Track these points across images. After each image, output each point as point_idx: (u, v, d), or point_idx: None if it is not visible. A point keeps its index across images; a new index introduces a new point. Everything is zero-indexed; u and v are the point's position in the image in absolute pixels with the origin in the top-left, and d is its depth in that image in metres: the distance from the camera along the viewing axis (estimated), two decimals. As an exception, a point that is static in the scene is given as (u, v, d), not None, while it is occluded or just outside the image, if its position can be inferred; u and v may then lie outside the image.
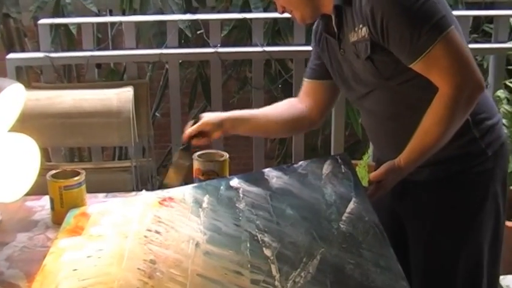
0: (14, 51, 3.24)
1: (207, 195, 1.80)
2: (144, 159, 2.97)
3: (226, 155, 2.06)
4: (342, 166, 1.79)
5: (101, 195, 2.10)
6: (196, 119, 1.97)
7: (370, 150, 3.41)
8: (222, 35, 3.14)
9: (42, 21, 2.97)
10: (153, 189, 2.31)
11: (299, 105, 2.01)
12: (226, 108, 3.11)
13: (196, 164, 2.02)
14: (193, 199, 1.81)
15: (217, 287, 1.42)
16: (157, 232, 1.68)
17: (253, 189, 1.76)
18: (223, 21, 3.24)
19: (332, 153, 3.27)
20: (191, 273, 1.50)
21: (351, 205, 1.66)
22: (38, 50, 3.00)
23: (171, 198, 1.84)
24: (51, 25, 3.03)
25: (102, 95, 2.77)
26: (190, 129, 1.96)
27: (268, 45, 3.12)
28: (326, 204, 1.67)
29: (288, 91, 3.34)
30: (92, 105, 2.71)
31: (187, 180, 1.91)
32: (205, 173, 2.01)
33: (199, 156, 2.03)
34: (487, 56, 3.29)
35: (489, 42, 2.98)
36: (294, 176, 1.82)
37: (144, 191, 2.15)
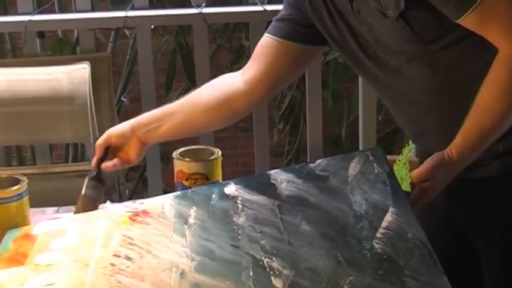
0: None
1: (195, 208, 1.80)
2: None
3: (219, 152, 2.07)
4: (375, 165, 1.79)
5: (51, 209, 2.12)
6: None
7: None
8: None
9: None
10: (120, 200, 2.30)
11: (233, 79, 2.02)
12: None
13: (178, 165, 2.04)
14: (175, 213, 1.81)
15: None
16: (128, 258, 1.68)
17: (256, 198, 1.76)
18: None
19: (361, 147, 3.30)
20: (175, 313, 1.49)
21: (388, 217, 1.65)
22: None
23: (145, 212, 1.85)
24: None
25: (48, 74, 2.78)
26: (98, 148, 2.03)
27: (270, 3, 3.14)
28: (354, 216, 1.67)
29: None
30: (34, 89, 2.72)
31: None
32: (191, 176, 2.03)
33: (182, 154, 2.05)
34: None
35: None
36: (310, 180, 1.82)
37: (108, 202, 2.19)
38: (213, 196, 1.79)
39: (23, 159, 3.76)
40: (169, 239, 1.72)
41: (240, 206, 1.74)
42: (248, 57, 3.16)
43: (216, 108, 2.01)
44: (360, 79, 3.18)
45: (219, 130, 2.95)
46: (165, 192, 2.41)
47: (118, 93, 3.89)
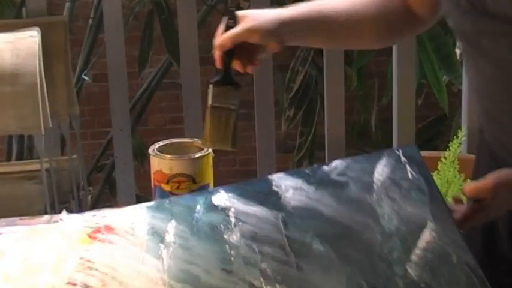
0: None
1: (174, 222, 1.81)
2: (65, 157, 3.00)
3: (209, 147, 2.09)
4: (408, 167, 1.80)
5: None
6: (233, 17, 1.94)
7: (464, 132, 3.42)
8: None
9: None
10: (80, 209, 2.31)
11: None
12: (204, 62, 3.13)
13: (156, 164, 2.07)
14: (149, 228, 1.82)
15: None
16: (86, 287, 1.68)
17: (254, 209, 1.76)
18: None
19: (395, 141, 3.34)
20: None
21: (427, 235, 1.65)
22: None
23: (109, 228, 1.86)
24: None
25: None
26: (227, 36, 1.92)
27: None
28: (383, 233, 1.68)
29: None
30: None
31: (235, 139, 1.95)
32: (173, 178, 2.07)
33: (161, 149, 2.08)
34: None
35: None
36: (324, 187, 1.82)
37: (64, 213, 2.16)
38: (198, 207, 1.79)
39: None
40: (140, 262, 1.72)
41: (232, 219, 1.74)
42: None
43: (393, 16, 2.06)
44: (395, 50, 3.20)
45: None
46: (138, 199, 2.42)
47: (78, 69, 3.91)
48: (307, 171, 1.86)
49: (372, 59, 4.06)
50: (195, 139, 2.15)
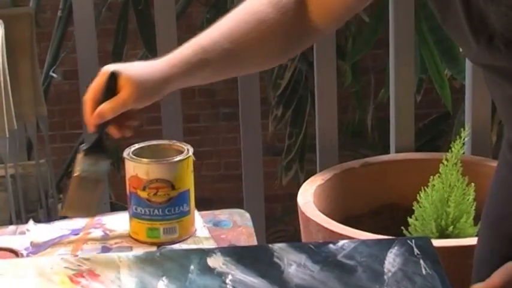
0: None
1: (165, 280, 1.81)
2: (32, 162, 2.99)
3: (189, 150, 2.09)
4: (422, 261, 1.80)
5: None
6: (114, 76, 1.86)
7: (467, 132, 3.39)
8: None
9: None
10: (49, 219, 2.28)
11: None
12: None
13: (132, 169, 2.05)
14: (137, 282, 1.82)
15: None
16: None
17: (254, 281, 1.77)
18: None
19: (392, 141, 3.32)
20: None
21: None
22: None
23: (93, 274, 1.86)
24: None
25: None
26: (109, 107, 1.84)
27: None
28: None
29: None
30: None
31: (101, 208, 1.90)
32: (150, 184, 2.04)
33: (137, 153, 2.07)
34: None
35: None
36: (330, 268, 1.83)
37: (31, 223, 2.19)
38: (192, 267, 1.82)
39: None
40: None
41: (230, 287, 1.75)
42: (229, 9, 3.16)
43: (285, 33, 1.96)
44: (392, 43, 3.16)
45: (191, 119, 2.88)
46: (113, 207, 2.37)
47: (46, 65, 3.90)
48: (312, 246, 1.88)
49: (368, 52, 4.02)
50: (174, 141, 2.14)
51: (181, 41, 3.10)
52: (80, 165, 1.86)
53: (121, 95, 1.80)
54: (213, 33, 1.88)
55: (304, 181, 3.07)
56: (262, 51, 1.95)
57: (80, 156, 1.86)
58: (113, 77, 1.80)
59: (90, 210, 1.92)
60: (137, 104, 1.83)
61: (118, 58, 3.77)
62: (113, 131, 1.88)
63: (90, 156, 1.87)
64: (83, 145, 1.88)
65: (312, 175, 3.10)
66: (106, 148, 1.87)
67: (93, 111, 1.80)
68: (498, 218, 1.88)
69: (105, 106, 1.80)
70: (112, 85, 1.80)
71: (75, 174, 1.84)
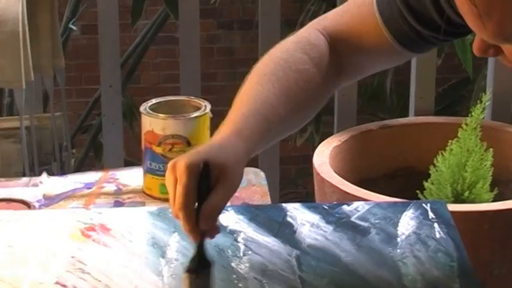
0: None
1: (177, 236, 1.82)
2: (47, 114, 2.99)
3: (207, 107, 2.10)
4: (436, 225, 1.81)
5: None
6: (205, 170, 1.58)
7: (488, 96, 3.38)
8: None
9: None
10: (63, 172, 2.28)
11: (319, 67, 1.80)
12: (204, 15, 3.07)
13: (148, 123, 2.07)
14: (149, 238, 1.83)
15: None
16: None
17: (266, 239, 1.78)
18: None
19: (412, 106, 3.31)
20: None
21: None
22: None
23: (105, 228, 1.86)
24: None
25: None
26: (207, 222, 1.55)
27: None
28: None
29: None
30: None
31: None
32: (165, 140, 2.06)
33: (154, 108, 2.08)
34: None
35: None
36: (344, 229, 1.83)
37: (44, 175, 2.20)
38: None
39: None
40: (138, 276, 1.71)
41: (242, 246, 1.76)
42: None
43: (316, 101, 1.85)
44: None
45: (210, 77, 2.87)
46: (126, 165, 2.36)
47: (65, 18, 3.88)
48: (325, 207, 1.88)
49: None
50: (191, 97, 2.13)
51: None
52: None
53: (226, 190, 1.56)
54: (270, 98, 1.70)
55: (319, 143, 3.05)
56: (307, 114, 1.83)
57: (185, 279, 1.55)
58: (204, 170, 1.52)
59: None
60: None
61: (137, 14, 3.75)
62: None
63: (199, 277, 1.54)
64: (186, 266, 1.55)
65: (327, 137, 3.08)
66: (209, 260, 1.55)
67: (195, 216, 1.50)
68: None
69: (213, 207, 1.53)
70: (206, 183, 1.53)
71: None
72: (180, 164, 1.50)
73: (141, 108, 2.05)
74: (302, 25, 4.05)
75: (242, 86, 1.72)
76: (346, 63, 1.80)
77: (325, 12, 3.88)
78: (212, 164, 1.51)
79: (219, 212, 1.52)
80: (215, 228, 1.52)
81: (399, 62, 1.88)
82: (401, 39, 1.71)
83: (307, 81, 1.76)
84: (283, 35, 3.14)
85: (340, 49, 1.78)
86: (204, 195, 1.49)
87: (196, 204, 1.49)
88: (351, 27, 1.77)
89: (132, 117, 3.52)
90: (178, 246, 1.78)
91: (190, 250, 1.67)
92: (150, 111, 2.05)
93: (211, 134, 2.05)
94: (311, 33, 1.80)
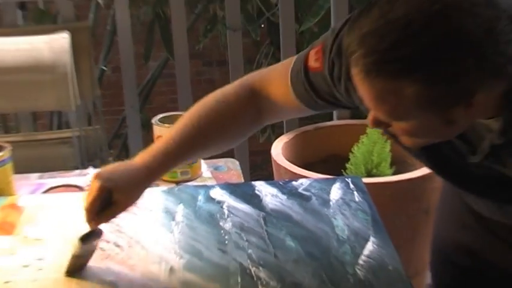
0: None
1: (182, 206, 1.81)
2: (90, 127, 2.96)
3: None
4: (355, 193, 1.82)
5: (34, 175, 2.10)
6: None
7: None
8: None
9: None
10: (103, 165, 2.26)
11: (243, 110, 1.61)
12: (193, 57, 3.04)
13: (158, 131, 2.04)
14: (163, 208, 1.82)
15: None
16: (117, 245, 1.67)
17: (242, 206, 1.78)
18: None
19: (336, 115, 3.30)
20: (166, 308, 1.52)
21: (370, 246, 1.64)
22: None
23: None
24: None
25: (29, 44, 2.75)
26: (107, 216, 1.54)
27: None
28: (337, 240, 1.66)
29: (274, 32, 3.30)
30: (16, 58, 2.68)
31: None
32: None
33: (161, 120, 2.06)
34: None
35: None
36: (293, 197, 1.84)
37: (91, 168, 2.18)
38: (200, 197, 1.82)
39: (8, 127, 3.72)
40: (157, 233, 1.71)
41: (226, 211, 1.76)
42: (225, 25, 3.11)
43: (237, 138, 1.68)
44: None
45: (198, 98, 2.84)
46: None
47: (100, 63, 3.87)
48: (281, 183, 1.89)
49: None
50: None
51: (190, 46, 3.10)
52: (78, 249, 1.52)
53: (117, 209, 1.52)
54: (187, 134, 1.57)
55: (274, 140, 3.04)
56: (226, 141, 1.65)
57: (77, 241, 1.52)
58: (107, 192, 1.48)
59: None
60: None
61: (148, 58, 3.73)
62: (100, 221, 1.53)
63: (85, 242, 1.53)
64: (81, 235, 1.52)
65: (279, 136, 3.07)
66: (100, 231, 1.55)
67: (92, 219, 1.50)
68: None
69: (107, 216, 1.52)
70: (107, 199, 1.49)
71: (74, 254, 1.53)
72: (96, 181, 1.48)
73: (153, 121, 2.05)
74: (259, 62, 4.06)
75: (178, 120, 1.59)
76: (265, 109, 1.60)
77: (273, 53, 3.91)
78: (115, 190, 1.48)
79: (110, 219, 1.51)
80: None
81: (309, 114, 1.62)
82: (306, 102, 1.53)
83: (224, 120, 1.58)
84: (246, 69, 3.13)
85: (261, 98, 1.58)
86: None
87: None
88: (270, 82, 1.58)
89: (148, 127, 3.49)
90: (183, 213, 1.77)
91: (192, 215, 1.73)
92: (159, 123, 2.04)
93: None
94: (236, 86, 1.62)
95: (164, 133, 1.96)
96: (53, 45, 2.68)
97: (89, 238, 1.52)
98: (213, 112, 1.57)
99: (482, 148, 1.29)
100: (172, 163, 1.58)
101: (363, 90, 1.21)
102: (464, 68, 1.13)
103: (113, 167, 1.57)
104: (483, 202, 1.55)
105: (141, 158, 1.56)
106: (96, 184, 1.48)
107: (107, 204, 1.50)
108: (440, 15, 1.12)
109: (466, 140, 1.33)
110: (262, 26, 3.73)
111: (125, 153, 3.93)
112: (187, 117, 1.58)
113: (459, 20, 1.12)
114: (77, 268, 1.54)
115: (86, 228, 1.52)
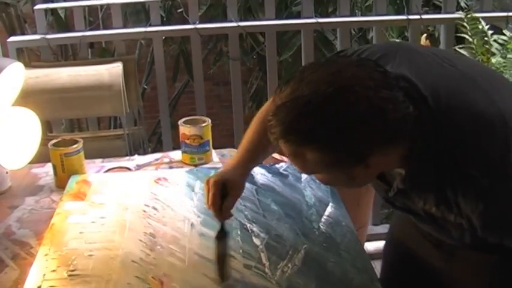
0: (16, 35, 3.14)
1: (198, 181, 1.78)
2: (136, 127, 2.91)
3: (209, 121, 2.03)
4: None
5: (98, 160, 2.08)
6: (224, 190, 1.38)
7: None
8: (199, 13, 3.04)
9: (38, 6, 2.89)
10: (145, 153, 2.27)
11: None
12: (205, 79, 3.04)
13: (182, 129, 2.00)
14: (186, 183, 1.79)
15: (213, 266, 1.40)
16: (154, 208, 1.66)
17: None
18: (200, 1, 3.18)
19: None
20: (188, 251, 1.48)
21: (329, 209, 1.62)
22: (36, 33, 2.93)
23: (165, 179, 1.82)
24: (46, 10, 2.94)
25: (95, 70, 2.69)
26: (227, 207, 1.39)
27: (241, 20, 3.02)
28: (307, 205, 1.65)
29: (262, 62, 3.25)
30: (86, 80, 2.63)
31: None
32: (190, 137, 1.98)
33: (184, 122, 2.01)
34: (437, 26, 3.29)
35: (439, 13, 2.92)
36: (276, 175, 1.80)
37: (136, 155, 2.14)
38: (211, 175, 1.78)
39: (81, 128, 3.68)
40: (182, 200, 1.69)
41: None
42: (228, 57, 3.10)
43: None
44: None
45: (209, 108, 2.87)
46: (174, 149, 2.35)
47: (142, 83, 3.84)
48: (268, 165, 1.84)
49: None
50: (201, 117, 2.07)
51: (204, 72, 3.10)
52: (219, 246, 1.40)
53: (235, 195, 1.39)
54: (256, 141, 1.46)
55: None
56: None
57: (216, 241, 1.40)
58: (223, 185, 1.38)
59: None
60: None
61: (174, 80, 3.70)
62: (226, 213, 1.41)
63: (221, 239, 1.40)
64: (217, 233, 1.40)
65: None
66: (226, 229, 1.41)
67: (219, 210, 1.37)
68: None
69: (228, 205, 1.38)
70: (224, 191, 1.37)
71: (216, 252, 1.39)
72: (210, 181, 1.37)
73: (178, 123, 2.01)
74: (251, 83, 4.04)
75: (247, 129, 1.50)
76: None
77: (261, 77, 3.89)
78: (227, 182, 1.38)
79: (231, 208, 1.38)
80: (230, 215, 1.39)
81: None
82: None
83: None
84: (243, 88, 3.12)
85: None
86: (223, 198, 1.37)
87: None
88: None
89: (175, 127, 3.47)
90: (200, 186, 1.74)
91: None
92: (183, 124, 2.00)
93: (213, 136, 2.00)
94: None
95: (187, 130, 1.97)
96: (111, 71, 2.65)
97: (222, 236, 1.38)
98: (263, 130, 1.42)
99: (393, 187, 1.19)
100: (253, 164, 1.47)
101: (281, 148, 1.11)
102: (353, 140, 1.03)
103: (218, 171, 1.44)
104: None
105: (233, 161, 1.44)
106: (212, 181, 1.36)
107: (222, 196, 1.36)
108: (334, 96, 1.01)
109: (384, 179, 1.21)
110: (254, 57, 3.70)
111: (159, 146, 3.86)
112: (251, 132, 1.48)
113: (349, 101, 1.01)
114: (227, 266, 1.36)
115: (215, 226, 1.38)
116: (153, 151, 2.57)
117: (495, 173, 1.04)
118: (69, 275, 1.36)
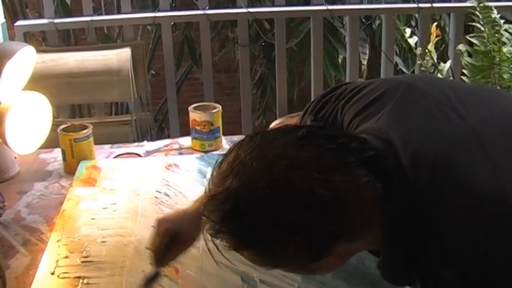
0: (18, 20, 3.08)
1: (210, 168, 1.76)
2: (143, 113, 2.86)
3: (219, 107, 2.00)
4: None
5: (107, 146, 2.06)
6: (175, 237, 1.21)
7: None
8: (208, -1, 3.01)
9: (46, -10, 2.86)
10: (152, 139, 2.24)
11: None
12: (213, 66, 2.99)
13: (192, 115, 1.97)
14: (197, 169, 1.77)
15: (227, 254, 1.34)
16: (166, 194, 1.65)
17: None
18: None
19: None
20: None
21: None
22: (39, 18, 2.90)
23: (176, 165, 1.80)
24: (54, -5, 2.91)
25: (103, 55, 2.65)
26: (169, 258, 1.22)
27: (253, 6, 3.00)
28: None
29: (267, 50, 3.20)
30: (93, 65, 2.58)
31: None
32: (201, 123, 1.96)
33: (195, 108, 1.98)
34: (443, 16, 3.24)
35: (449, 1, 2.87)
36: None
37: (145, 141, 2.12)
38: None
39: (91, 113, 3.65)
40: (193, 186, 1.67)
41: None
42: (236, 43, 3.05)
43: None
44: (313, 60, 2.98)
45: (215, 93, 2.83)
46: (182, 135, 2.32)
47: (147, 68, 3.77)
48: None
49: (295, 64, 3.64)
50: (211, 103, 2.06)
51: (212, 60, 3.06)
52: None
53: (183, 249, 1.21)
54: None
55: (266, 125, 2.98)
56: None
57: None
58: (176, 235, 1.20)
59: None
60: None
61: (178, 66, 3.63)
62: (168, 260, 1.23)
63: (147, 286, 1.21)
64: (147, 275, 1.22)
65: (271, 122, 2.99)
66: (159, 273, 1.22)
67: (161, 258, 1.20)
68: None
69: (172, 257, 1.22)
70: (171, 240, 1.20)
71: None
72: (162, 226, 1.20)
73: (189, 108, 1.98)
74: (255, 70, 3.97)
75: None
76: None
77: (265, 64, 3.81)
78: (180, 233, 1.18)
79: (173, 261, 1.22)
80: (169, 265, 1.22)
81: None
82: None
83: None
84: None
85: None
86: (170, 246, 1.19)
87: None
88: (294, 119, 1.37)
89: (181, 113, 3.46)
90: (211, 172, 1.72)
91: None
92: (193, 110, 1.97)
93: (223, 122, 1.97)
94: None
95: (197, 116, 1.93)
96: (119, 57, 2.61)
97: (151, 282, 1.20)
98: None
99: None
100: None
101: None
102: (299, 244, 0.82)
103: (173, 214, 1.28)
104: None
105: (191, 211, 1.23)
106: (163, 227, 1.19)
107: (169, 246, 1.20)
108: (267, 195, 0.81)
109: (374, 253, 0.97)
110: (263, 44, 3.62)
111: (160, 132, 3.83)
112: None
113: (287, 198, 0.81)
114: None
115: (149, 270, 1.21)
116: (160, 137, 2.53)
117: (475, 280, 0.78)
118: (83, 262, 1.34)
